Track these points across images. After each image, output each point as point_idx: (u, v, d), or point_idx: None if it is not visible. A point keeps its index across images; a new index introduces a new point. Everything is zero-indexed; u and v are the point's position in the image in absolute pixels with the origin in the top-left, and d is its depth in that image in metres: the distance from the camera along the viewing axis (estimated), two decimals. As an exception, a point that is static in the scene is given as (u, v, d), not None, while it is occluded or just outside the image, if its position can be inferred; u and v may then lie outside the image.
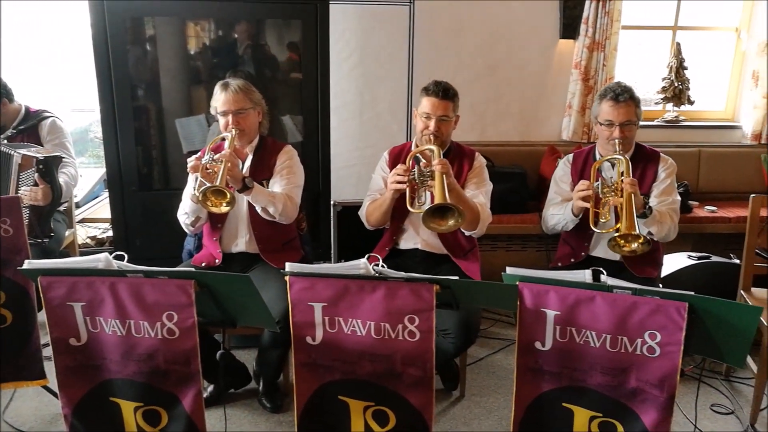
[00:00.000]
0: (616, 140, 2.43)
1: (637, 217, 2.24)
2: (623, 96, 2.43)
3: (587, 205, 2.35)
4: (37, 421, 2.46)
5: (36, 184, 2.74)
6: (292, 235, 2.62)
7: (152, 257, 2.68)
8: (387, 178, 2.56)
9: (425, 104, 2.46)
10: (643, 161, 2.53)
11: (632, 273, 2.49)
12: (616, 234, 2.23)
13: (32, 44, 4.25)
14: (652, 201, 2.48)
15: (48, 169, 2.76)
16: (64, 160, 3.00)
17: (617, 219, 2.31)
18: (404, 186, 2.32)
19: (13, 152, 2.70)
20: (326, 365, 1.80)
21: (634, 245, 2.24)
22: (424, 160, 2.41)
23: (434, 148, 2.36)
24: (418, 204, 2.34)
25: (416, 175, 2.33)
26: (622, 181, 2.32)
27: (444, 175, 2.23)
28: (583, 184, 2.40)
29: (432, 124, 2.44)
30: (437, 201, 2.17)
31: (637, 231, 2.20)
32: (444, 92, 2.44)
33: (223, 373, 2.47)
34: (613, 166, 2.49)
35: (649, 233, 2.37)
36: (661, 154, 2.59)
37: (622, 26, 3.90)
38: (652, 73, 4.18)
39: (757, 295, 2.62)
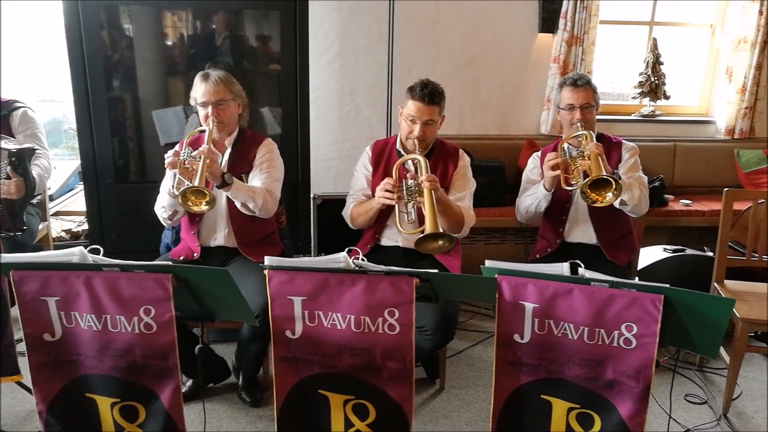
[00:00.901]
0: (578, 123, 2.51)
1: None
2: (581, 81, 2.54)
3: (557, 172, 2.42)
4: (11, 417, 2.42)
5: (9, 177, 2.67)
6: (271, 230, 2.60)
7: (129, 251, 2.63)
8: (369, 176, 2.57)
9: (411, 107, 2.43)
10: (608, 148, 2.59)
11: (607, 258, 2.55)
12: (587, 183, 2.29)
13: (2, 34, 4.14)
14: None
15: (21, 161, 2.69)
16: (37, 151, 2.94)
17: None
18: (393, 201, 2.33)
19: None
20: (306, 359, 1.80)
21: (608, 195, 2.30)
22: (412, 168, 2.41)
23: (422, 160, 2.35)
24: (408, 222, 2.35)
25: (404, 191, 2.33)
26: (588, 147, 2.40)
27: (433, 192, 2.24)
28: (551, 154, 2.48)
29: (417, 129, 2.42)
30: (429, 229, 2.17)
31: (605, 174, 2.27)
32: (431, 97, 2.40)
33: (201, 367, 2.45)
34: (577, 149, 2.55)
35: (622, 201, 2.43)
36: (623, 140, 2.67)
37: (600, 21, 3.94)
38: (629, 67, 4.23)
39: (730, 287, 2.68)
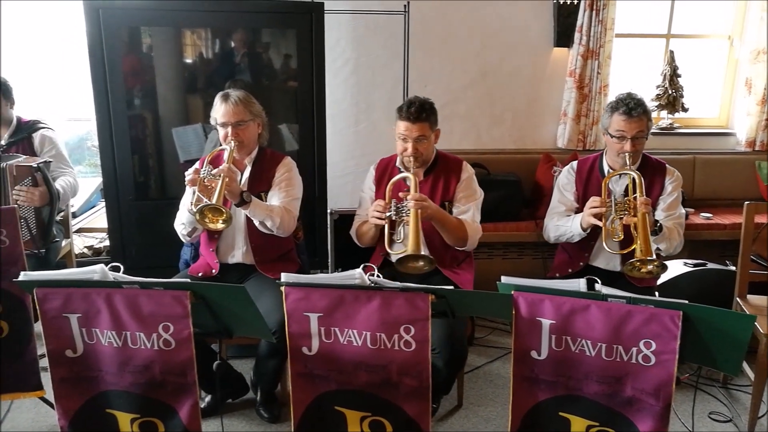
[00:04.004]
0: (627, 154, 2.41)
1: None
2: (636, 111, 2.40)
3: (599, 222, 2.34)
4: (33, 432, 2.45)
5: (36, 185, 2.74)
6: (288, 247, 2.62)
7: (149, 267, 2.68)
8: (373, 196, 2.59)
9: (400, 126, 2.45)
10: (650, 173, 2.52)
11: (632, 283, 2.48)
12: (634, 259, 2.21)
13: (28, 54, 4.25)
14: (659, 214, 2.48)
15: (43, 174, 2.77)
16: (62, 169, 3.01)
17: (626, 238, 2.31)
18: (383, 222, 2.36)
19: (5, 165, 2.70)
20: (322, 375, 1.80)
21: (650, 267, 2.22)
22: (406, 188, 2.43)
23: (411, 177, 2.37)
24: (396, 241, 2.38)
25: (393, 212, 2.35)
26: (634, 199, 2.31)
27: (419, 212, 2.26)
28: (595, 200, 2.37)
29: (409, 147, 2.43)
30: (410, 250, 2.22)
31: (654, 256, 2.20)
32: (417, 115, 2.40)
33: (220, 383, 2.47)
34: (620, 177, 2.50)
35: (657, 249, 2.37)
36: (667, 165, 2.58)
37: (616, 34, 3.93)
38: (646, 80, 4.20)
39: (754, 302, 2.63)
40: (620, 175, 2.49)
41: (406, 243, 2.32)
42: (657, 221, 2.39)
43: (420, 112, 2.41)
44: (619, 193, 2.47)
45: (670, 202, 2.51)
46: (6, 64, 3.70)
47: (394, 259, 2.39)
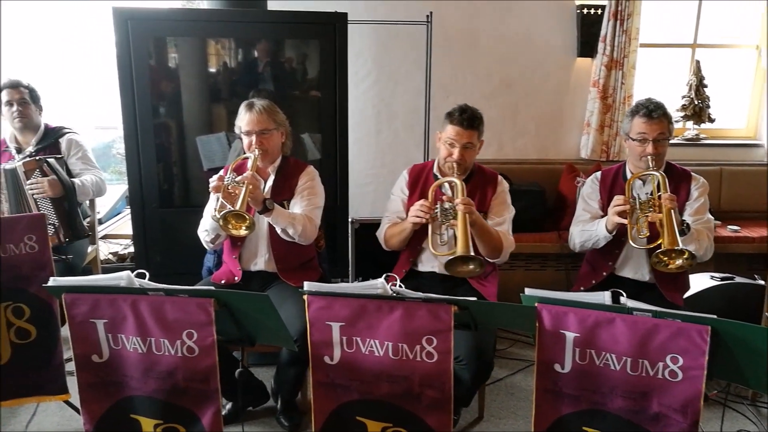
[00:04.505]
0: (649, 156, 2.40)
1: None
2: (657, 112, 2.40)
3: (624, 221, 2.32)
4: (58, 436, 2.49)
5: (45, 175, 2.84)
6: (310, 255, 2.63)
7: (172, 273, 2.70)
8: (405, 200, 2.58)
9: (450, 131, 2.44)
10: (675, 180, 2.49)
11: (662, 294, 2.44)
12: (659, 250, 2.18)
13: (58, 64, 4.35)
14: (686, 219, 2.44)
15: (50, 165, 2.86)
16: (88, 169, 3.11)
17: (653, 237, 2.29)
18: (423, 219, 2.34)
19: (14, 165, 2.80)
20: (344, 385, 1.80)
21: (679, 261, 2.19)
22: (449, 191, 2.42)
23: (458, 182, 2.36)
24: (441, 244, 2.36)
25: (439, 213, 2.34)
26: (659, 197, 2.30)
27: (468, 215, 2.24)
28: (619, 199, 2.36)
29: (456, 152, 2.43)
30: (460, 251, 2.18)
31: (681, 246, 2.16)
32: (469, 122, 2.42)
33: (241, 391, 2.48)
34: (644, 183, 2.48)
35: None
36: (692, 173, 2.55)
37: (641, 44, 3.90)
38: (672, 90, 4.16)
39: (782, 317, 2.58)
40: (644, 181, 2.47)
41: (452, 245, 2.31)
42: (684, 221, 2.36)
43: (473, 119, 2.43)
44: (647, 194, 2.44)
45: (697, 207, 2.48)
46: (36, 73, 3.78)
47: (442, 261, 2.37)
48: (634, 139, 2.46)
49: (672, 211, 2.22)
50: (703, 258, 2.41)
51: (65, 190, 2.89)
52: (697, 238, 2.35)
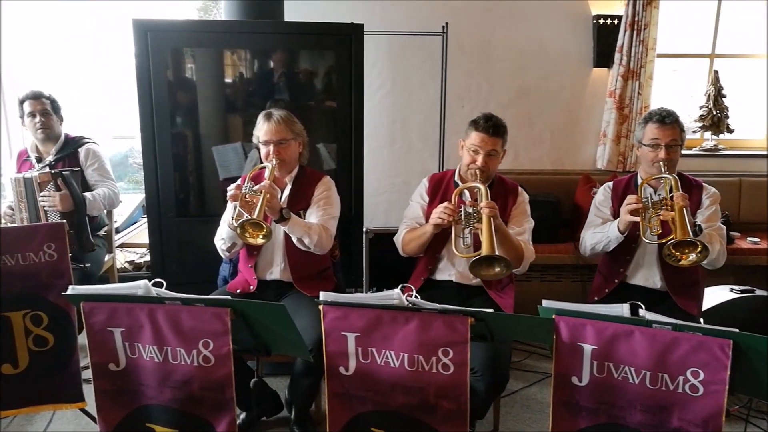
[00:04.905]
0: (662, 162, 2.41)
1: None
2: (669, 119, 2.44)
3: (636, 218, 2.33)
4: (74, 444, 2.50)
5: (58, 189, 2.87)
6: (326, 265, 2.63)
7: (187, 282, 2.71)
8: (425, 206, 2.57)
9: (474, 138, 2.45)
10: (687, 190, 2.47)
11: (675, 302, 2.43)
12: (671, 242, 2.18)
13: (78, 76, 4.42)
14: None
15: (65, 178, 2.89)
16: (103, 181, 3.14)
17: (665, 235, 2.28)
18: (445, 221, 2.33)
19: (31, 175, 2.83)
20: (359, 396, 1.79)
21: (692, 256, 2.19)
22: (469, 198, 2.42)
23: (482, 187, 2.35)
24: (464, 247, 2.34)
25: (463, 215, 2.33)
26: (671, 197, 2.30)
27: (492, 219, 2.23)
28: (631, 197, 2.38)
29: (480, 159, 2.43)
30: (486, 251, 2.16)
31: (692, 238, 2.16)
32: (495, 129, 2.43)
33: (255, 400, 2.47)
34: (656, 191, 2.47)
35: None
36: (704, 183, 2.56)
37: (658, 54, 3.88)
38: (689, 101, 4.12)
39: (804, 331, 2.52)
40: (655, 188, 2.47)
41: (476, 249, 2.28)
42: (697, 223, 2.35)
43: (497, 127, 2.45)
44: (656, 198, 2.43)
45: (709, 215, 2.48)
46: (57, 84, 3.84)
47: (459, 268, 2.35)
48: (646, 145, 2.48)
49: (684, 209, 2.23)
50: (716, 263, 2.40)
51: (76, 205, 2.91)
52: (709, 241, 2.33)
